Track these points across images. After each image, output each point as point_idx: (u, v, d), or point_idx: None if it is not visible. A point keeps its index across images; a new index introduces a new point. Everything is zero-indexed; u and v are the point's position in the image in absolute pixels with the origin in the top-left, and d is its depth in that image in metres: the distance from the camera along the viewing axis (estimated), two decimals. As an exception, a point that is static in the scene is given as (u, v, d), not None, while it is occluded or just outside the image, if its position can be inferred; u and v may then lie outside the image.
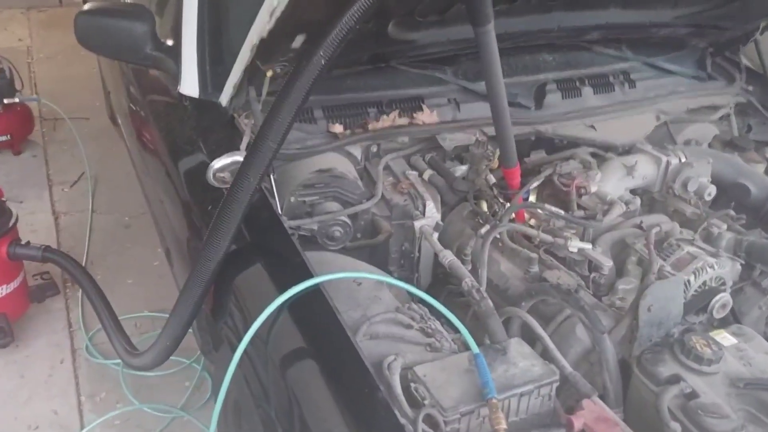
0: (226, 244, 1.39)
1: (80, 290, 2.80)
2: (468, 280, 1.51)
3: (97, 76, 4.39)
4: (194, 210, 1.75)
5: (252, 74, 1.65)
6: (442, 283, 1.81)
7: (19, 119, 3.99)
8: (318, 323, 1.30)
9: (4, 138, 3.92)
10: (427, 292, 1.88)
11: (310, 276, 1.32)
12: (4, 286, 2.55)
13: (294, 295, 1.25)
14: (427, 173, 1.90)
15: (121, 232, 3.36)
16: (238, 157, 1.60)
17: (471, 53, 2.02)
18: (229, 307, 1.46)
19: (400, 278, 1.83)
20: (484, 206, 1.89)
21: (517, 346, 1.33)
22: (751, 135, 2.44)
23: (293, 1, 1.24)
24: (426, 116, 1.96)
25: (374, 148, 1.92)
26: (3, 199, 2.60)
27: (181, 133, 1.96)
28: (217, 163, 1.58)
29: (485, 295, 1.47)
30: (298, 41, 1.48)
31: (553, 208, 1.67)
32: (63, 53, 5.37)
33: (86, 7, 1.99)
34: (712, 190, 1.87)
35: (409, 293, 1.45)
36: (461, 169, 1.94)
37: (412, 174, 1.88)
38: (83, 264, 3.01)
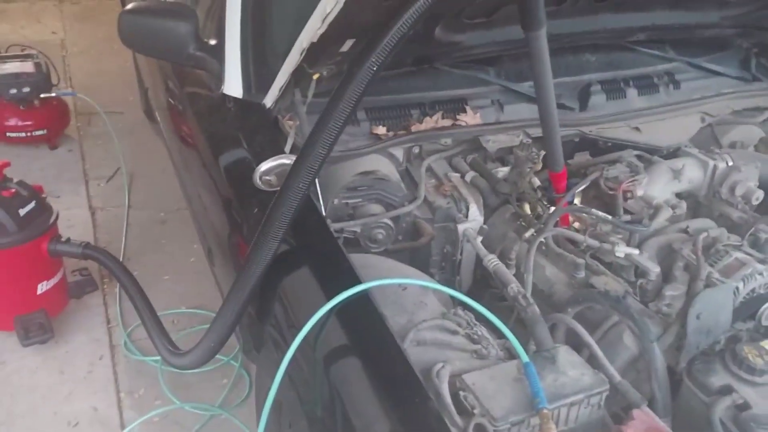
0: (275, 247, 1.40)
1: (117, 286, 2.83)
2: (514, 286, 1.50)
3: (131, 70, 4.42)
4: (237, 211, 1.75)
5: (298, 76, 1.65)
6: (483, 286, 1.80)
7: (55, 114, 4.04)
8: (366, 329, 1.29)
9: (41, 132, 3.97)
10: (468, 295, 1.89)
11: (357, 281, 1.31)
12: (45, 283, 2.58)
13: (342, 301, 1.25)
14: (469, 175, 1.89)
15: (157, 228, 3.39)
16: (284, 160, 1.61)
17: (514, 54, 2.01)
18: (275, 309, 1.46)
19: (439, 282, 1.83)
20: (527, 209, 1.87)
21: (566, 354, 1.32)
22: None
23: (346, 6, 1.23)
24: (469, 117, 1.95)
25: (416, 150, 1.91)
26: (43, 195, 2.63)
27: (224, 133, 1.96)
28: (264, 166, 1.59)
29: (532, 301, 1.46)
30: (347, 45, 1.47)
31: (600, 213, 1.65)
32: (96, 46, 5.42)
33: (130, 6, 2.00)
34: (760, 194, 1.83)
35: (456, 299, 1.44)
36: (503, 171, 1.93)
37: (455, 176, 1.87)
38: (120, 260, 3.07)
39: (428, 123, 1.90)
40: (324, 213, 1.61)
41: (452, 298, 1.50)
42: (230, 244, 1.78)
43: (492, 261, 1.60)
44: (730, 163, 1.89)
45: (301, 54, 1.45)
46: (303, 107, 1.70)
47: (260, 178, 1.58)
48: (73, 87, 4.68)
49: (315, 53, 1.49)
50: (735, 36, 2.46)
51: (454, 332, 1.37)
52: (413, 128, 1.89)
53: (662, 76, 2.28)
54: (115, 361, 2.58)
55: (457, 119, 1.94)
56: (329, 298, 1.27)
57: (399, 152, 1.88)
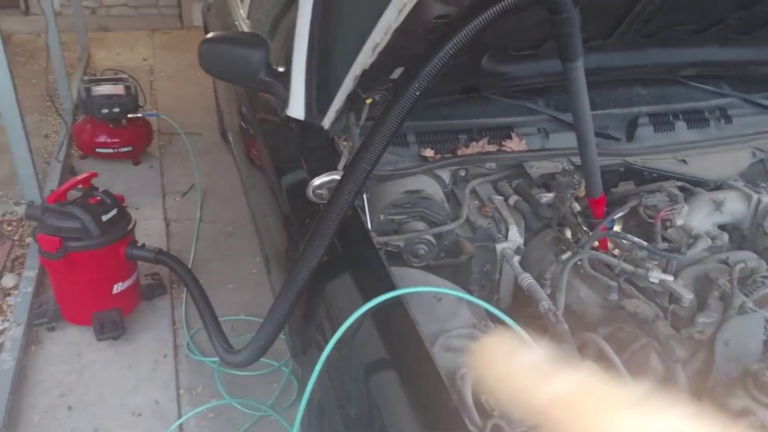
0: (321, 254, 1.53)
1: (184, 292, 3.03)
2: (545, 303, 1.57)
3: (210, 95, 4.72)
4: (293, 222, 1.90)
5: (353, 101, 1.78)
6: (522, 305, 1.87)
7: (140, 133, 4.36)
8: (398, 333, 1.39)
9: (126, 149, 4.30)
10: (507, 313, 1.97)
11: (393, 288, 1.42)
12: (120, 283, 2.81)
13: (377, 304, 1.36)
14: (513, 198, 1.97)
15: (224, 240, 3.60)
16: (336, 176, 1.74)
17: (562, 85, 2.09)
18: (319, 312, 1.58)
19: (480, 299, 1.91)
20: (568, 233, 1.94)
21: (589, 370, 1.37)
22: None
23: (394, 38, 1.36)
24: (515, 144, 2.04)
25: (462, 173, 2.01)
26: (124, 204, 2.87)
27: (286, 152, 2.12)
28: (317, 181, 1.73)
29: (561, 318, 1.53)
30: (397, 73, 1.60)
31: (635, 239, 1.71)
32: (181, 72, 5.80)
33: (209, 35, 2.20)
34: (805, 229, 1.84)
35: (486, 311, 1.52)
36: (547, 197, 2.00)
37: (498, 198, 1.95)
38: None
39: (474, 148, 2.00)
40: (371, 227, 1.73)
41: (486, 312, 1.59)
42: (285, 254, 1.92)
43: (526, 279, 1.68)
44: (775, 198, 1.90)
45: (355, 80, 1.59)
46: (356, 129, 1.83)
47: (313, 192, 1.71)
48: (158, 109, 5.03)
49: (368, 80, 1.62)
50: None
51: (483, 342, 1.45)
52: (460, 152, 1.99)
53: (714, 110, 2.30)
54: (177, 360, 2.77)
55: (502, 145, 2.03)
56: (366, 302, 1.38)
57: (446, 174, 1.99)
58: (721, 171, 2.11)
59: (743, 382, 1.37)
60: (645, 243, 1.70)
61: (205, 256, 3.45)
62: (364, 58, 1.47)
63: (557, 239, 1.90)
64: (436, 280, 1.73)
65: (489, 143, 2.02)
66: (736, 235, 1.97)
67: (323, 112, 1.93)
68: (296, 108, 2.08)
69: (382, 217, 1.84)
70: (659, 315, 1.57)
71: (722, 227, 1.92)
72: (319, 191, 1.72)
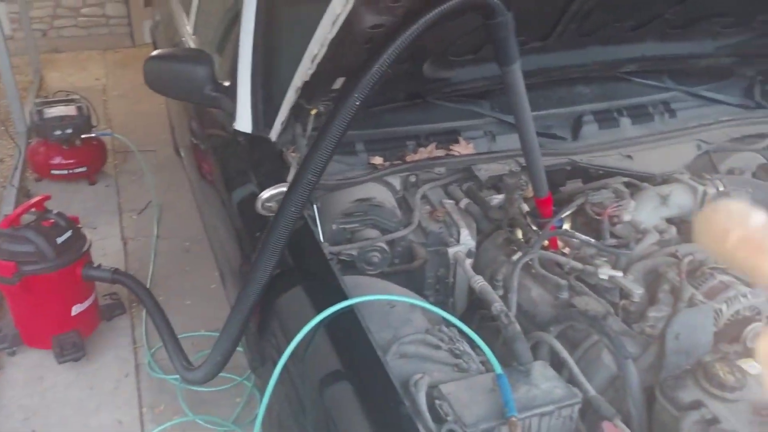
0: (271, 268, 1.52)
1: (144, 310, 2.98)
2: (497, 305, 1.58)
3: (164, 112, 4.68)
4: (245, 236, 1.89)
5: (298, 112, 1.78)
6: (477, 308, 1.89)
7: (95, 152, 4.31)
8: (351, 343, 1.40)
9: (81, 169, 4.23)
10: (462, 316, 1.98)
11: (345, 298, 1.42)
12: (78, 305, 2.77)
13: (328, 316, 1.36)
14: (464, 202, 1.99)
15: (181, 256, 3.57)
16: (284, 188, 1.74)
17: (504, 87, 2.12)
18: (273, 326, 1.58)
19: (433, 303, 1.92)
20: (519, 234, 1.96)
21: (540, 369, 1.39)
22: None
23: (332, 49, 1.36)
24: (462, 148, 2.05)
25: (412, 179, 2.02)
26: (79, 225, 2.82)
27: (235, 166, 2.11)
28: (265, 194, 1.72)
29: (513, 319, 1.54)
30: (339, 83, 1.60)
31: (583, 236, 1.73)
32: (134, 91, 5.73)
33: (153, 53, 2.19)
34: (749, 219, 1.88)
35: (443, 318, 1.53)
36: (497, 198, 2.02)
37: (449, 202, 1.97)
38: (147, 285, 3.23)
39: (422, 153, 2.01)
40: (323, 238, 1.73)
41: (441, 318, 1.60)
42: (239, 268, 1.91)
43: (478, 281, 1.69)
44: (721, 189, 1.94)
45: (296, 92, 1.59)
46: (303, 140, 1.83)
47: (262, 205, 1.71)
48: (112, 128, 4.96)
49: (311, 91, 1.63)
50: (737, 65, 2.50)
51: (437, 347, 1.46)
52: (408, 158, 2.00)
53: (657, 105, 2.34)
54: (139, 379, 2.73)
55: (450, 149, 2.04)
56: (318, 313, 1.38)
57: (396, 181, 1.99)
58: (667, 165, 2.15)
59: (693, 374, 1.39)
60: (593, 240, 1.73)
61: (164, 273, 3.42)
62: (304, 70, 1.48)
63: (508, 240, 1.92)
64: (391, 287, 1.74)
65: (437, 148, 2.04)
66: (684, 227, 2.00)
67: (270, 124, 1.93)
68: (243, 121, 2.07)
69: (334, 226, 1.84)
70: (610, 311, 1.59)
71: (670, 220, 1.95)
72: (269, 204, 1.71)
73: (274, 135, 1.91)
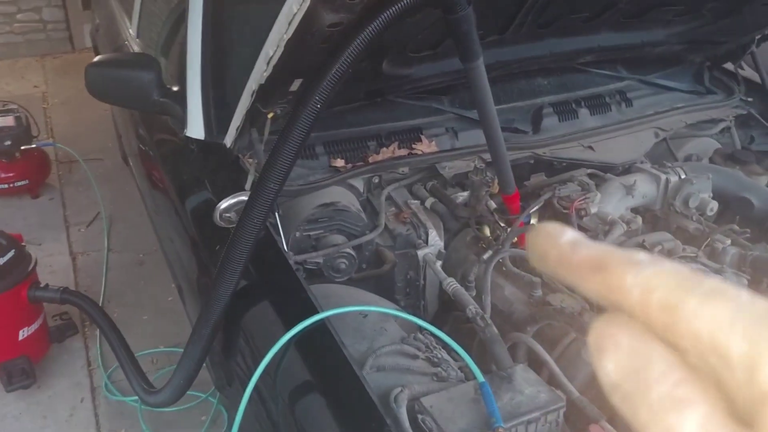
0: (234, 283, 1.44)
1: (98, 329, 2.85)
2: (472, 308, 1.54)
3: (110, 118, 4.49)
4: (203, 249, 1.80)
5: (254, 116, 1.70)
6: (449, 309, 1.84)
7: (36, 164, 4.09)
8: (324, 358, 1.33)
9: (22, 183, 4.02)
10: (434, 318, 1.94)
11: (315, 311, 1.36)
12: (26, 329, 2.61)
13: (300, 331, 1.29)
14: (429, 201, 1.94)
15: (135, 269, 3.43)
16: (243, 197, 1.65)
17: (465, 83, 2.08)
18: (239, 344, 1.50)
19: (405, 307, 1.87)
20: (487, 231, 1.92)
21: (522, 373, 1.35)
22: (754, 146, 2.46)
23: (288, 50, 1.29)
24: (425, 146, 2.01)
25: (376, 180, 1.96)
26: (23, 243, 2.67)
27: (189, 175, 2.01)
28: (223, 204, 1.64)
29: (489, 321, 1.50)
30: (296, 85, 1.53)
31: (553, 232, 1.70)
32: (76, 97, 5.49)
33: (95, 60, 2.07)
34: (714, 205, 1.89)
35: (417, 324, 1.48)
36: (462, 196, 1.98)
37: (414, 203, 1.92)
38: (100, 302, 3.10)
39: (385, 153, 1.96)
40: (286, 246, 1.66)
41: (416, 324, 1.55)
42: (198, 283, 1.82)
43: (450, 284, 1.65)
44: (683, 176, 1.94)
45: (252, 96, 1.51)
46: (260, 146, 1.75)
47: (220, 216, 1.62)
48: (55, 137, 4.75)
49: (267, 94, 1.55)
50: (686, 51, 2.53)
51: (414, 356, 1.41)
52: (370, 159, 1.94)
53: (614, 94, 2.35)
54: (96, 404, 2.60)
55: (413, 148, 1.99)
56: (288, 329, 1.31)
57: (359, 183, 1.94)
58: (627, 154, 2.15)
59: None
60: (563, 235, 1.70)
61: (117, 288, 3.28)
62: (259, 73, 1.40)
63: (476, 238, 1.88)
64: (360, 294, 1.68)
65: (399, 147, 1.99)
66: (649, 216, 2.00)
67: (224, 130, 1.85)
68: (195, 128, 1.98)
69: (297, 234, 1.77)
70: (585, 307, 1.57)
71: (635, 210, 1.95)
72: (227, 215, 1.63)
73: (228, 141, 1.83)
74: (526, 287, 1.68)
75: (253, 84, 1.46)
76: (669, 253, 1.72)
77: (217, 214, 1.62)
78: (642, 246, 1.82)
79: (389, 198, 1.94)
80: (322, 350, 1.34)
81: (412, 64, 1.86)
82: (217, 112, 1.96)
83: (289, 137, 1.31)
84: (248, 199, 1.43)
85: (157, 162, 2.31)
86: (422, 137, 2.02)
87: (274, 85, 1.49)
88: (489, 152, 1.69)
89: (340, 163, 1.93)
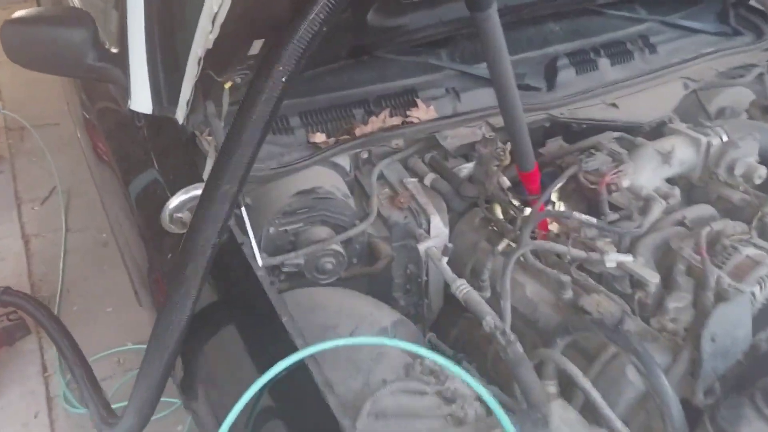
0: (190, 306, 1.14)
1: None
2: (490, 319, 1.25)
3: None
4: (154, 255, 1.48)
5: (208, 87, 1.36)
6: (457, 307, 1.54)
7: (-21, 134, 3.70)
8: (305, 410, 1.04)
9: (-35, 156, 3.64)
10: (441, 317, 1.65)
11: (292, 346, 1.06)
12: (-32, 333, 2.30)
13: (271, 380, 0.99)
14: (429, 177, 1.63)
15: (98, 251, 3.08)
16: (199, 192, 1.32)
17: (468, 32, 1.74)
18: (198, 387, 1.20)
19: (405, 307, 1.58)
20: (498, 211, 1.62)
21: (560, 411, 1.08)
22: (788, 92, 2.16)
23: (239, 3, 0.95)
24: (421, 112, 1.68)
25: (365, 155, 1.64)
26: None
27: (135, 158, 1.67)
28: (174, 201, 1.31)
29: (512, 337, 1.21)
30: (257, 47, 1.19)
31: (583, 216, 1.40)
32: (26, 55, 5.03)
33: (15, 15, 1.69)
34: (763, 171, 1.58)
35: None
36: (467, 168, 1.68)
37: (411, 182, 1.61)
38: (58, 293, 2.78)
39: (374, 123, 1.63)
40: (258, 245, 1.34)
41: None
42: (151, 290, 1.51)
43: (462, 288, 1.34)
44: (725, 138, 1.63)
45: (199, 63, 1.17)
46: (219, 121, 1.42)
47: (170, 218, 1.30)
48: (2, 102, 4.32)
49: (220, 59, 1.21)
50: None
51: (422, 393, 1.12)
52: (357, 131, 1.61)
53: (635, 40, 2.03)
54: (52, 417, 2.31)
55: (407, 116, 1.67)
56: (260, 370, 1.01)
57: (344, 160, 1.61)
58: (656, 110, 1.85)
59: (752, 400, 1.09)
60: (594, 220, 1.39)
61: (78, 275, 2.94)
62: (203, 34, 1.07)
63: (487, 220, 1.58)
64: (351, 300, 1.40)
65: (391, 115, 1.66)
66: (684, 183, 1.70)
67: (176, 101, 1.50)
68: (141, 99, 1.62)
69: (271, 229, 1.45)
70: (626, 311, 1.28)
71: (670, 180, 1.64)
72: (179, 215, 1.31)
73: (180, 116, 1.49)
74: (552, 286, 1.38)
75: (198, 49, 1.13)
76: (718, 236, 1.42)
77: (166, 216, 1.30)
78: (683, 224, 1.53)
79: (381, 177, 1.62)
80: (301, 399, 1.05)
81: (404, 13, 1.53)
82: (168, 78, 1.59)
83: (245, 125, 0.99)
84: (197, 209, 1.10)
85: (102, 138, 1.96)
86: (418, 101, 1.69)
87: (227, 48, 1.15)
88: (504, 121, 1.38)
89: (320, 137, 1.60)
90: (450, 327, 1.60)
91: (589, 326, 1.21)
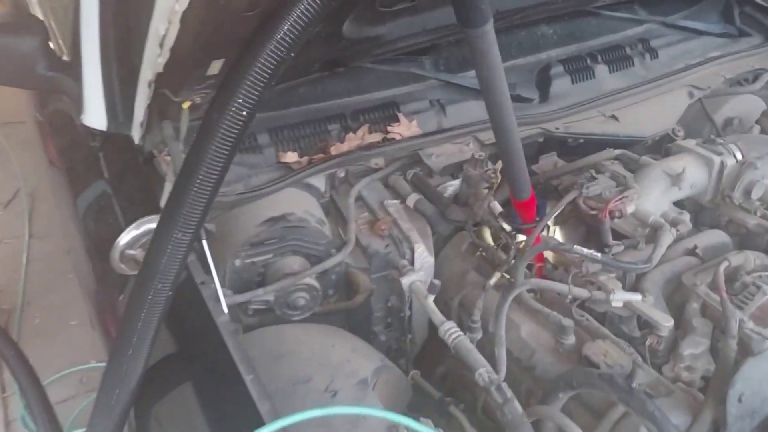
0: (143, 358, 0.99)
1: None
2: (484, 372, 1.10)
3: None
4: (105, 296, 1.32)
5: (165, 106, 1.20)
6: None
7: (-63, 132, 3.49)
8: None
9: None
10: (424, 349, 1.51)
11: (258, 416, 0.91)
12: None
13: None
14: (412, 198, 1.48)
15: (62, 260, 2.89)
16: (154, 225, 1.16)
17: (453, 39, 1.59)
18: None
19: (386, 342, 1.44)
20: (488, 235, 1.48)
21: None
22: (793, 97, 2.02)
23: (190, 26, 0.79)
24: (403, 127, 1.53)
25: (341, 173, 1.49)
26: None
27: (87, 172, 1.51)
28: (124, 238, 1.15)
29: (509, 394, 1.07)
30: (216, 66, 1.03)
31: (585, 250, 1.25)
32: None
33: (-47, 20, 1.51)
34: (783, 194, 1.45)
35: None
36: (453, 185, 1.54)
37: (393, 204, 1.46)
38: (18, 305, 2.61)
39: (352, 141, 1.48)
40: (222, 281, 1.20)
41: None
42: (98, 316, 1.36)
43: (451, 333, 1.20)
44: (739, 156, 1.49)
45: (150, 87, 1.02)
46: (178, 144, 1.26)
47: (121, 256, 1.14)
48: (-37, 95, 4.10)
49: (176, 79, 1.06)
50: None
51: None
52: (333, 150, 1.46)
53: (635, 44, 1.89)
54: (11, 444, 2.15)
55: (388, 132, 1.51)
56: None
57: (319, 180, 1.46)
58: (659, 123, 1.71)
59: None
60: (599, 255, 1.25)
61: (41, 285, 2.77)
62: (152, 58, 0.91)
63: (475, 246, 1.44)
64: (326, 343, 1.24)
65: (370, 131, 1.50)
66: (690, 204, 1.56)
67: (132, 117, 1.34)
68: (94, 114, 1.44)
69: (237, 262, 1.30)
70: (637, 361, 1.14)
71: (678, 203, 1.50)
72: (131, 252, 1.15)
73: (136, 136, 1.32)
74: (551, 329, 1.24)
75: (148, 73, 0.97)
76: (735, 271, 1.29)
77: (116, 254, 1.14)
78: (694, 253, 1.39)
79: (360, 198, 1.47)
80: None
81: (383, 22, 1.36)
82: (124, 91, 1.43)
83: (198, 167, 0.84)
84: (157, 227, 0.95)
85: (53, 144, 1.79)
86: (400, 115, 1.54)
87: (183, 69, 0.99)
88: (498, 147, 1.23)
89: (291, 157, 1.44)
90: (436, 363, 1.47)
91: (598, 383, 1.07)
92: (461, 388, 1.38)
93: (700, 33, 2.02)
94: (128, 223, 1.19)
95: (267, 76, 0.80)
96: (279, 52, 0.79)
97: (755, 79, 1.91)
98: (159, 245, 0.91)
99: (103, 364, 2.27)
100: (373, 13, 1.30)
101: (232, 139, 0.83)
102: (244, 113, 0.81)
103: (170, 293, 0.93)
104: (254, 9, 0.80)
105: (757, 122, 1.81)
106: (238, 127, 0.83)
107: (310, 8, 0.77)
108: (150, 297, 0.95)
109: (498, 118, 1.13)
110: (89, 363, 2.37)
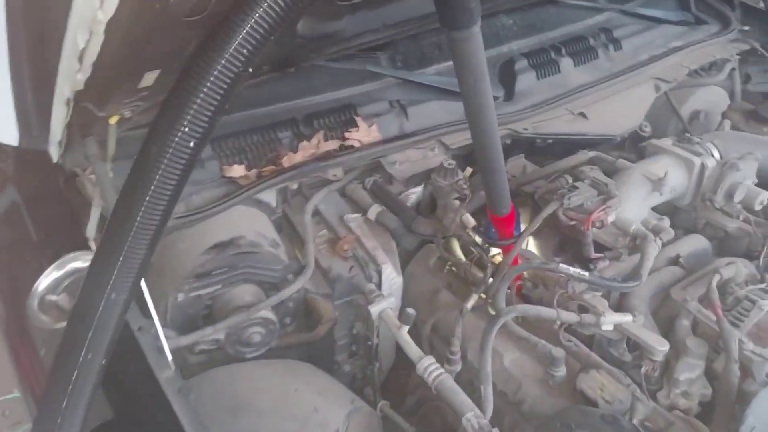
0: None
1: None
2: (473, 418, 0.98)
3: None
4: (23, 357, 1.13)
5: (89, 121, 1.02)
6: (411, 363, 1.26)
7: None
8: None
9: None
10: (391, 374, 1.38)
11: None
12: None
13: None
14: (374, 210, 1.34)
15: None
16: (80, 264, 0.98)
17: (412, 33, 1.44)
18: None
19: (350, 373, 1.30)
20: (456, 247, 1.34)
21: None
22: (751, 86, 1.97)
23: (117, 36, 0.62)
24: (362, 133, 1.38)
25: (294, 185, 1.33)
26: None
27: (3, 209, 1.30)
28: (43, 282, 0.96)
29: (497, 437, 0.95)
30: (150, 78, 0.85)
31: (571, 269, 1.14)
32: None
33: None
34: (764, 197, 1.36)
35: None
36: (416, 193, 1.42)
37: (354, 219, 1.32)
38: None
39: (306, 150, 1.32)
40: (162, 319, 1.03)
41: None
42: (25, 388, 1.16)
43: (431, 371, 1.07)
44: (717, 155, 1.40)
45: (68, 105, 0.83)
46: (104, 163, 1.07)
47: (40, 304, 0.95)
48: None
49: (101, 93, 0.88)
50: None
51: None
52: (285, 161, 1.30)
53: (598, 34, 1.79)
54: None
55: (345, 138, 1.36)
56: None
57: (270, 194, 1.30)
58: (628, 119, 1.63)
59: None
60: (586, 274, 1.14)
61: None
62: (70, 73, 0.74)
63: (444, 260, 1.31)
64: (289, 387, 1.10)
65: (326, 138, 1.35)
66: (663, 206, 1.47)
67: (49, 129, 1.14)
68: (3, 126, 1.25)
69: (180, 296, 1.13)
70: (635, 393, 1.04)
71: (655, 208, 1.41)
72: (52, 298, 0.96)
73: (54, 153, 1.13)
74: (536, 356, 1.13)
75: (65, 89, 0.79)
76: (726, 284, 1.20)
77: (34, 302, 0.95)
78: (677, 262, 1.30)
79: (317, 213, 1.32)
80: None
81: (340, 16, 1.20)
82: (39, 99, 1.22)
83: (133, 211, 0.68)
84: (89, 272, 0.78)
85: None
86: (358, 119, 1.39)
87: (110, 82, 0.82)
88: (478, 160, 1.09)
89: (238, 170, 1.27)
90: (404, 390, 1.33)
91: (600, 426, 0.96)
92: (433, 418, 1.26)
93: (659, 21, 1.95)
94: (49, 262, 1.01)
95: (219, 97, 0.64)
96: (234, 67, 0.63)
97: (710, 67, 1.85)
98: (88, 305, 0.74)
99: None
100: (331, 7, 1.14)
101: (175, 179, 0.67)
102: (191, 144, 0.65)
103: (104, 362, 0.76)
104: (200, 13, 0.64)
105: (725, 117, 1.74)
106: (183, 162, 0.67)
107: (272, 11, 0.61)
108: (79, 365, 0.78)
109: (480, 128, 1.00)
110: (12, 393, 2.14)
